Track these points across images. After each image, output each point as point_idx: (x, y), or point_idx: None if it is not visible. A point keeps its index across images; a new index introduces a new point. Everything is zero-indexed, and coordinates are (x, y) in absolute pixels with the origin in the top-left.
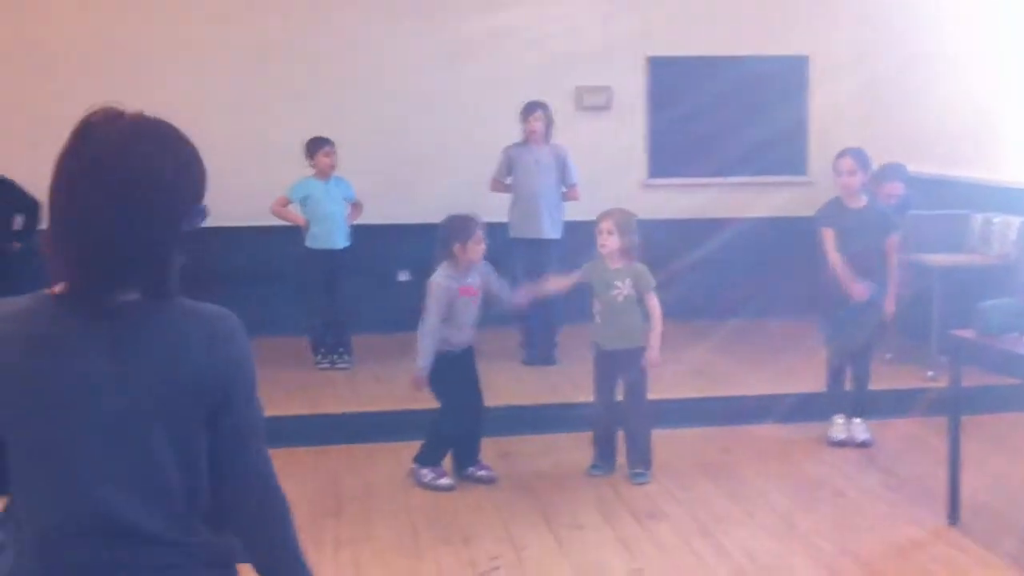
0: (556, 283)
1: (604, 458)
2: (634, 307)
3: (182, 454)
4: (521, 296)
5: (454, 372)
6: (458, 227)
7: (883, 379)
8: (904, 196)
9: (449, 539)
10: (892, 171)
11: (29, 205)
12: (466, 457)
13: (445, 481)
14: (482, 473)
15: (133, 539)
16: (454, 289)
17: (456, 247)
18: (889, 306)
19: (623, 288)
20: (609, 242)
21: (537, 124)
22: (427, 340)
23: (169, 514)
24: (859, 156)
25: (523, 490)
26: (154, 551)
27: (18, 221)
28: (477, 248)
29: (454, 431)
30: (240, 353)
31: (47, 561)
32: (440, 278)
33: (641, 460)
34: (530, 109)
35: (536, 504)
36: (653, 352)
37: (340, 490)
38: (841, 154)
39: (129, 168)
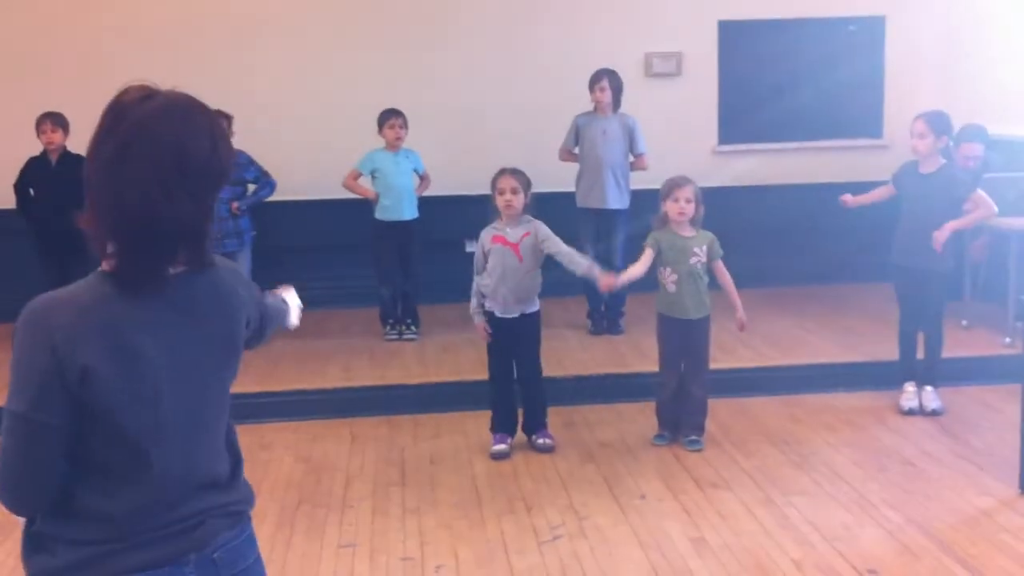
0: (634, 272)
1: (669, 427)
2: (706, 275)
3: (227, 400)
4: (604, 281)
5: (495, 340)
6: (493, 179)
7: (958, 346)
8: (984, 158)
9: (512, 507)
10: (970, 132)
11: None
12: (528, 425)
13: (496, 447)
14: (541, 441)
15: (219, 487)
16: (488, 236)
17: (493, 197)
18: (956, 224)
19: (701, 255)
20: (689, 209)
21: (603, 94)
22: (473, 285)
23: (230, 460)
24: (933, 119)
25: (587, 459)
26: (229, 495)
27: None
28: (499, 199)
29: (494, 397)
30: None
31: (163, 517)
32: (484, 230)
33: (699, 427)
34: (596, 78)
35: (599, 473)
36: (742, 314)
37: (406, 459)
38: (915, 117)
39: (164, 146)
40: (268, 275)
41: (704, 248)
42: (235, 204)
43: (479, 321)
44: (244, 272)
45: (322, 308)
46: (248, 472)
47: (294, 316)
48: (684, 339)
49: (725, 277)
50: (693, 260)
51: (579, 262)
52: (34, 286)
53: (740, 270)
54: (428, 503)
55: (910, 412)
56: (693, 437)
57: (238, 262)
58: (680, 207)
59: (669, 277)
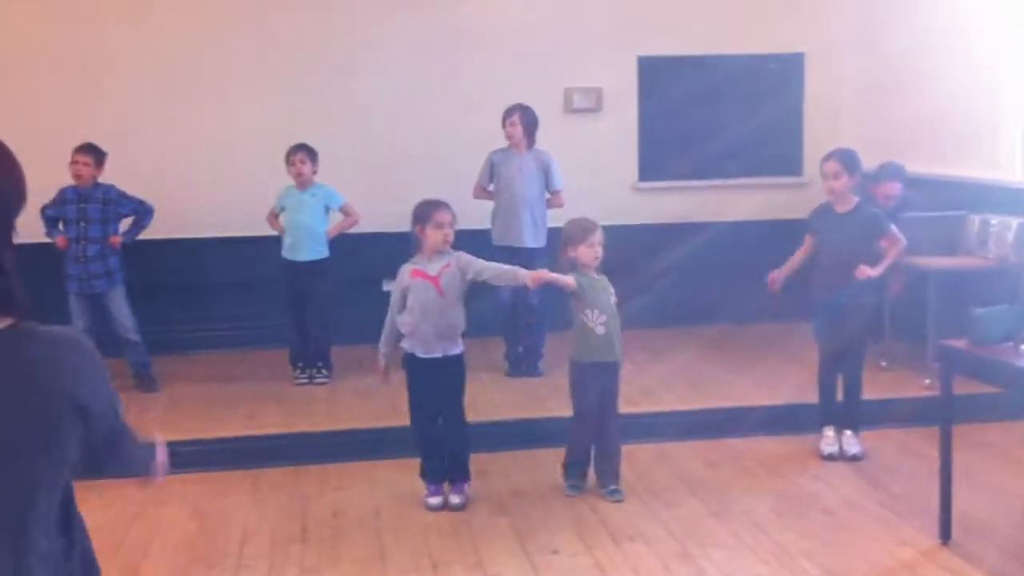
0: (564, 279)
1: (582, 476)
2: None
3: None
4: (533, 276)
5: (416, 383)
6: (419, 211)
7: (878, 387)
8: (903, 196)
9: (418, 565)
10: (890, 171)
11: None
12: (445, 474)
13: (431, 500)
14: (454, 500)
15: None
16: (407, 271)
17: (417, 230)
18: (877, 270)
19: (614, 295)
20: (601, 253)
21: (514, 128)
22: (386, 323)
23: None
24: (845, 158)
25: (499, 511)
26: None
27: None
28: (436, 233)
29: (421, 445)
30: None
31: None
32: (405, 264)
33: (618, 475)
34: (508, 113)
35: (512, 526)
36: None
37: (308, 512)
38: (826, 157)
39: None
40: (175, 315)
41: (612, 289)
42: (116, 238)
43: (382, 362)
44: (121, 314)
45: (233, 349)
46: (138, 529)
47: (158, 476)
48: (606, 384)
49: None
50: (613, 300)
51: (509, 273)
52: None
53: (658, 309)
54: (328, 561)
55: (830, 457)
56: (613, 487)
57: (112, 303)
58: (595, 251)
59: (598, 319)
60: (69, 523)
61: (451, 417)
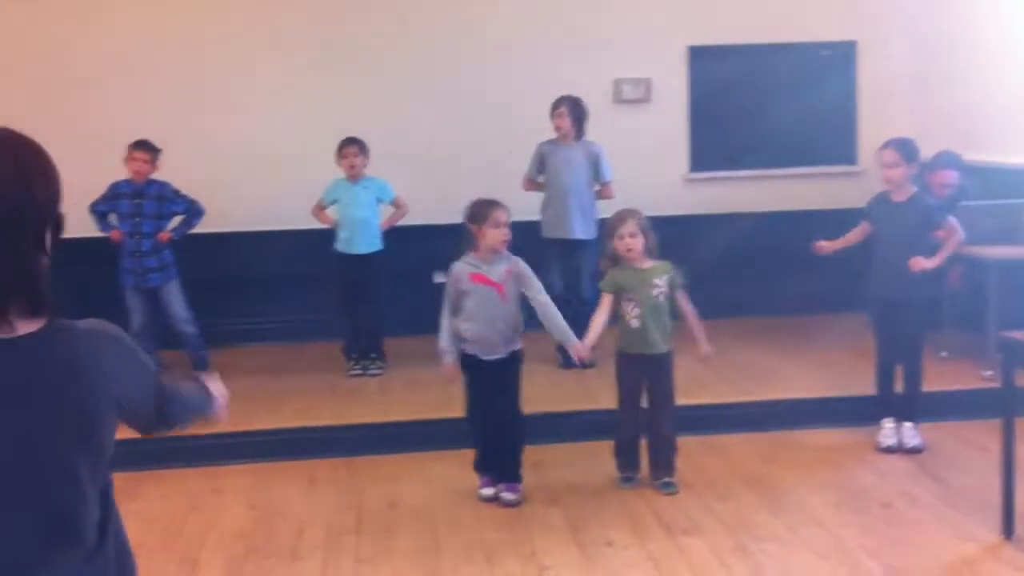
0: (596, 329)
1: (633, 468)
2: (668, 306)
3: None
4: (574, 351)
5: (475, 382)
6: (476, 210)
7: (938, 378)
8: (959, 185)
9: (471, 557)
10: (944, 159)
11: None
12: (498, 471)
13: (484, 491)
14: (505, 495)
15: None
16: (464, 273)
17: (474, 229)
18: (933, 262)
19: (662, 286)
20: (636, 244)
21: (561, 120)
22: (442, 321)
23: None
24: (902, 146)
25: (552, 503)
26: None
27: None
28: (494, 233)
29: (476, 439)
30: None
31: None
32: (458, 262)
33: (672, 467)
34: (556, 104)
35: (565, 518)
36: (706, 346)
37: (363, 504)
38: (883, 146)
39: None
40: (228, 308)
41: (665, 279)
42: (165, 234)
43: (448, 362)
44: (176, 306)
45: (287, 342)
46: (195, 520)
47: (220, 409)
48: (649, 376)
49: (688, 308)
50: (655, 292)
51: (559, 329)
52: None
53: (712, 300)
54: (383, 552)
55: (888, 450)
56: (666, 479)
57: (167, 296)
58: (627, 243)
59: (632, 311)
60: (106, 515)
61: (508, 412)
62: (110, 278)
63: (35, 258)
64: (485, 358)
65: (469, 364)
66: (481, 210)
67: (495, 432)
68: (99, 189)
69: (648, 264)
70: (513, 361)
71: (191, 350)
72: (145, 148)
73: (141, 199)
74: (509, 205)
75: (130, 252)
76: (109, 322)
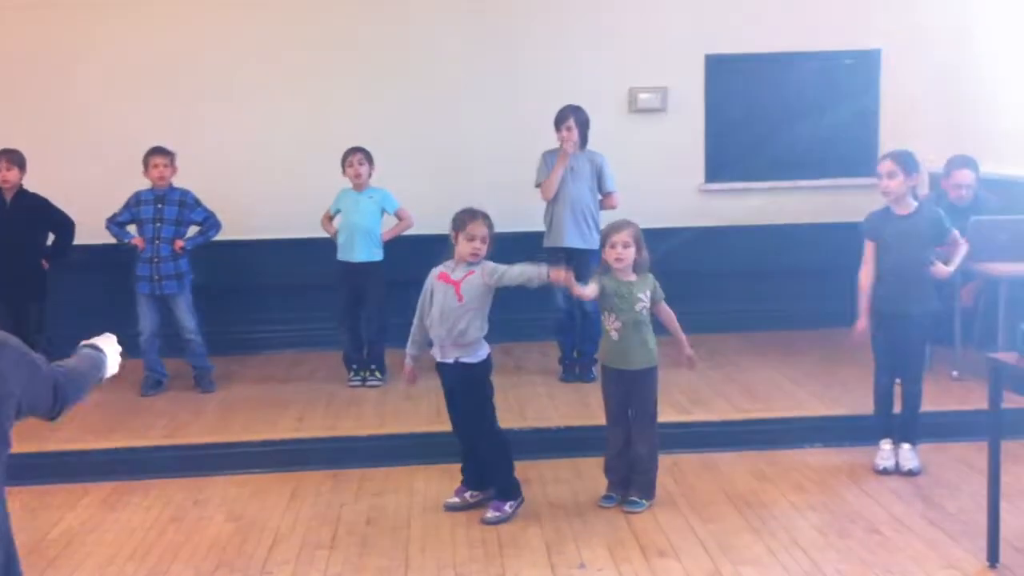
0: (581, 290)
1: (618, 486)
2: (651, 322)
3: None
4: (556, 274)
5: (443, 385)
6: (458, 217)
7: (944, 399)
8: (977, 194)
9: (440, 575)
10: (959, 160)
11: (62, 223)
12: (474, 479)
13: (448, 500)
14: (488, 515)
15: None
16: (433, 274)
17: (453, 235)
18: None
19: (646, 300)
20: (626, 255)
21: (570, 133)
22: (413, 324)
23: None
24: (901, 157)
25: (532, 521)
26: None
27: (49, 239)
28: (465, 245)
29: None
30: None
31: None
32: (435, 267)
33: (645, 487)
34: (563, 117)
35: (542, 537)
36: (688, 348)
37: (342, 518)
38: (882, 157)
39: None
40: (234, 316)
41: (648, 293)
42: (180, 242)
43: (408, 363)
44: (187, 316)
45: (291, 350)
46: (174, 532)
47: (112, 364)
48: (628, 392)
49: (669, 316)
50: (639, 306)
51: (531, 273)
52: None
53: (724, 314)
54: (352, 569)
55: (885, 471)
56: (633, 498)
57: (178, 305)
58: (617, 253)
59: (613, 324)
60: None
61: (472, 426)
62: (118, 284)
63: None
64: (439, 360)
65: (437, 368)
66: (461, 219)
67: (470, 447)
68: (109, 196)
69: (632, 278)
70: (463, 372)
71: (194, 360)
72: (163, 152)
73: (163, 204)
74: (516, 215)
75: (147, 258)
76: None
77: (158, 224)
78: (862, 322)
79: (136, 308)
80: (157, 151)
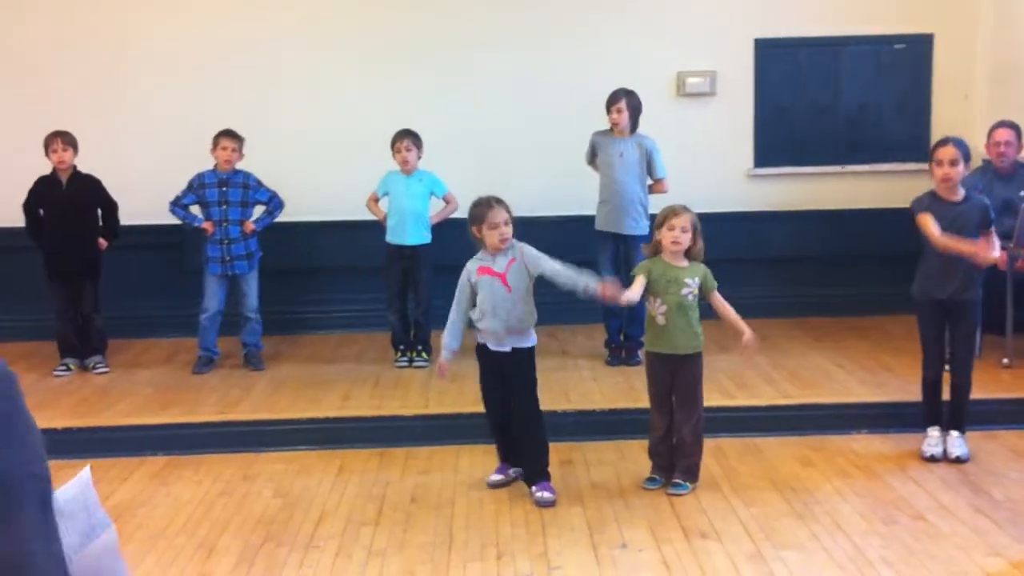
0: (629, 295)
1: (662, 469)
2: (698, 307)
3: None
4: (604, 291)
5: (486, 372)
6: (473, 212)
7: (996, 386)
8: (1016, 145)
9: (482, 553)
10: (999, 122)
11: (111, 204)
12: (526, 473)
13: (491, 478)
14: (539, 495)
15: None
16: (474, 267)
17: (475, 231)
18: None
19: (693, 286)
20: (684, 239)
21: (620, 115)
22: (450, 317)
23: None
24: (963, 146)
25: (575, 501)
26: None
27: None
28: (491, 234)
29: (491, 429)
30: None
31: None
32: (471, 259)
33: (689, 470)
34: (614, 99)
35: (584, 518)
36: (750, 335)
37: (387, 495)
38: (942, 142)
39: None
40: (286, 296)
41: (696, 279)
42: (250, 224)
43: (445, 356)
44: (252, 295)
45: (341, 331)
46: (223, 506)
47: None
48: (673, 377)
49: (724, 306)
50: (685, 291)
51: (580, 284)
52: (41, 308)
53: (774, 299)
54: (396, 545)
55: (932, 459)
56: (677, 480)
57: (247, 284)
58: (675, 235)
59: (659, 308)
60: None
61: (523, 409)
62: (171, 263)
63: None
64: (493, 349)
65: (480, 353)
66: (476, 213)
67: (516, 430)
68: (166, 177)
69: (683, 263)
70: (518, 358)
71: (250, 338)
72: (233, 136)
73: (227, 187)
74: (567, 200)
75: (217, 240)
76: None
77: (224, 206)
78: (968, 245)
79: (204, 287)
80: (228, 134)
